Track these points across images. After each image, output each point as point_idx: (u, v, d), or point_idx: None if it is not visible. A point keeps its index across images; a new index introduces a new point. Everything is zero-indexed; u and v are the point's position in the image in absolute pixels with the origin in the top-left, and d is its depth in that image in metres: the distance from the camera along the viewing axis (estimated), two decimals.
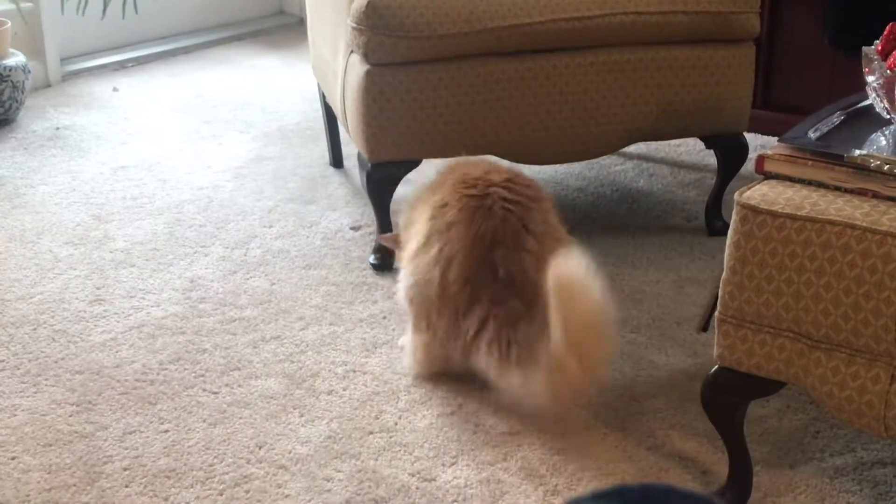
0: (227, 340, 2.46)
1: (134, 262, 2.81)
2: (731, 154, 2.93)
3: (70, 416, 2.19)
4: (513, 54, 2.67)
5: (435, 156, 2.71)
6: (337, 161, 3.41)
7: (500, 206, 2.20)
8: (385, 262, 2.77)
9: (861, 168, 1.73)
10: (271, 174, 3.35)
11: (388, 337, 2.47)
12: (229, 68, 4.37)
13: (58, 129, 3.70)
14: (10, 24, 3.74)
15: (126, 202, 3.16)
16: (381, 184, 2.72)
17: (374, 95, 2.62)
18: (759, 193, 1.76)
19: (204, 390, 2.28)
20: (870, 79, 1.89)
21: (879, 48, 1.90)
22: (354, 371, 2.35)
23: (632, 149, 3.38)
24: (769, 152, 1.81)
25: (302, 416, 2.20)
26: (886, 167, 1.71)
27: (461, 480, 2.01)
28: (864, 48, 1.90)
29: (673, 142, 3.47)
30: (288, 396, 2.26)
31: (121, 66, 4.35)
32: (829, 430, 2.14)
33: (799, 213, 1.71)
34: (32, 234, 2.95)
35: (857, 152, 1.75)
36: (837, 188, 1.75)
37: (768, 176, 1.81)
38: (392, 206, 2.80)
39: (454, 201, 2.23)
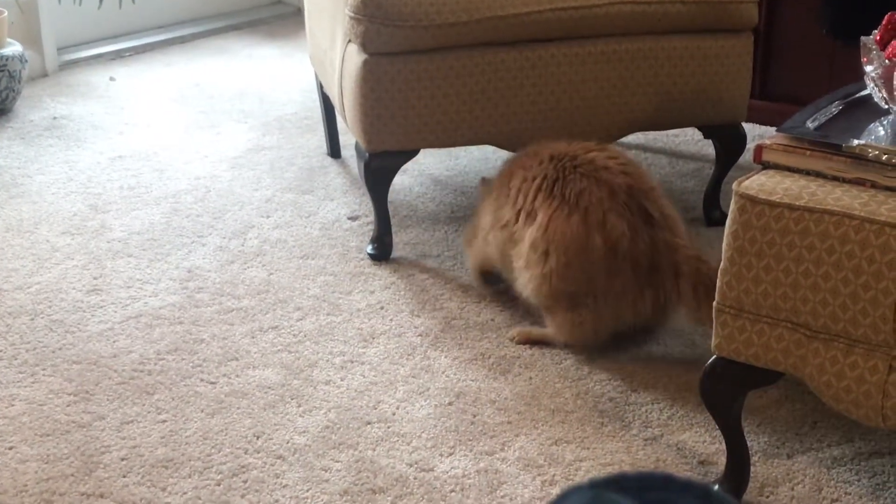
0: (224, 330, 2.46)
1: (131, 251, 2.81)
2: (729, 144, 2.93)
3: (67, 405, 2.19)
4: (511, 44, 2.66)
5: (433, 145, 2.71)
6: (334, 151, 3.41)
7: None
8: (382, 251, 2.77)
9: (859, 158, 1.73)
10: (269, 164, 3.34)
11: (385, 327, 2.47)
12: (226, 58, 4.36)
13: (55, 118, 3.69)
14: (6, 13, 3.73)
15: (123, 192, 3.15)
16: (378, 173, 2.72)
17: (372, 85, 2.61)
18: (758, 183, 1.76)
19: (201, 380, 2.28)
20: (868, 68, 1.89)
21: (878, 38, 1.89)
22: (352, 361, 2.35)
23: (630, 139, 3.37)
24: (767, 142, 1.81)
25: (300, 406, 2.20)
26: (885, 157, 1.71)
27: (459, 470, 2.01)
28: (863, 38, 1.89)
29: (671, 132, 3.46)
30: (286, 386, 2.26)
31: (118, 56, 4.34)
32: (827, 420, 2.14)
33: (797, 203, 1.71)
34: (29, 224, 2.95)
35: (856, 142, 1.75)
36: (835, 178, 1.75)
37: (766, 166, 1.81)
38: (390, 196, 2.79)
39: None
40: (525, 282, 2.34)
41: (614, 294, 2.28)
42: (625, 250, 2.25)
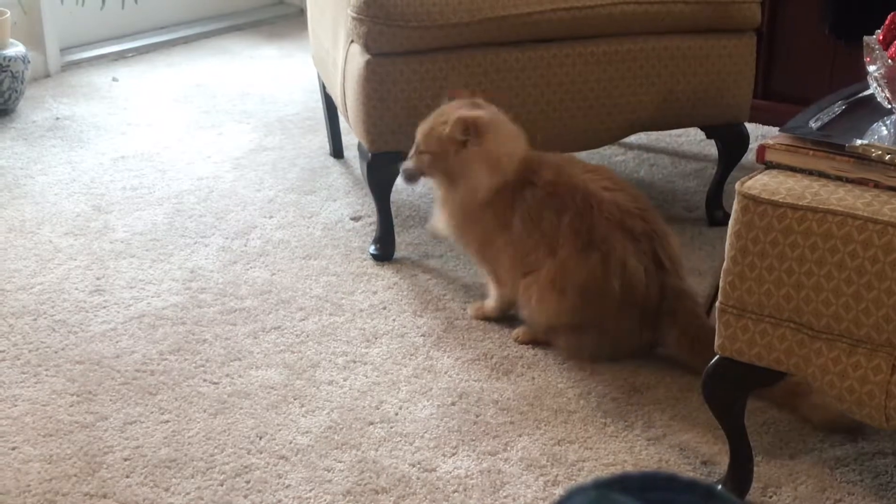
0: (227, 331, 2.46)
1: (134, 252, 2.81)
2: (731, 144, 2.93)
3: (70, 406, 2.19)
4: (514, 44, 2.66)
5: None
6: (337, 151, 3.41)
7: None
8: (385, 252, 2.77)
9: (862, 158, 1.73)
10: (271, 164, 3.35)
11: (388, 327, 2.47)
12: (229, 58, 4.36)
13: (57, 119, 3.69)
14: (9, 13, 3.73)
15: (126, 192, 3.15)
16: (381, 174, 2.72)
17: (375, 85, 2.61)
18: (761, 183, 1.76)
19: (204, 381, 2.28)
20: (871, 68, 1.89)
21: (881, 38, 1.89)
22: (355, 361, 2.35)
23: (633, 139, 3.37)
24: (770, 142, 1.81)
25: (302, 406, 2.20)
26: (888, 157, 1.71)
27: (461, 471, 2.01)
28: (865, 38, 1.89)
29: (674, 132, 3.46)
30: (288, 387, 2.26)
31: (120, 56, 4.34)
32: None
33: (800, 203, 1.71)
34: (32, 225, 2.95)
35: (859, 142, 1.75)
36: (839, 178, 1.74)
37: (769, 166, 1.81)
38: (392, 197, 2.79)
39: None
40: (535, 311, 2.36)
41: (619, 333, 2.33)
42: (639, 295, 2.29)
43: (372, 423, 2.15)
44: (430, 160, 2.44)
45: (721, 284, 1.81)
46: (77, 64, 4.22)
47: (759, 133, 3.37)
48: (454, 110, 2.43)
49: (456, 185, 2.44)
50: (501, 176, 2.39)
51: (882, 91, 1.89)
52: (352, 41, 2.67)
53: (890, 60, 1.85)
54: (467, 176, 2.41)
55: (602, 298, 2.29)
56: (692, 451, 2.08)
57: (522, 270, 2.37)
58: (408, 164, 2.49)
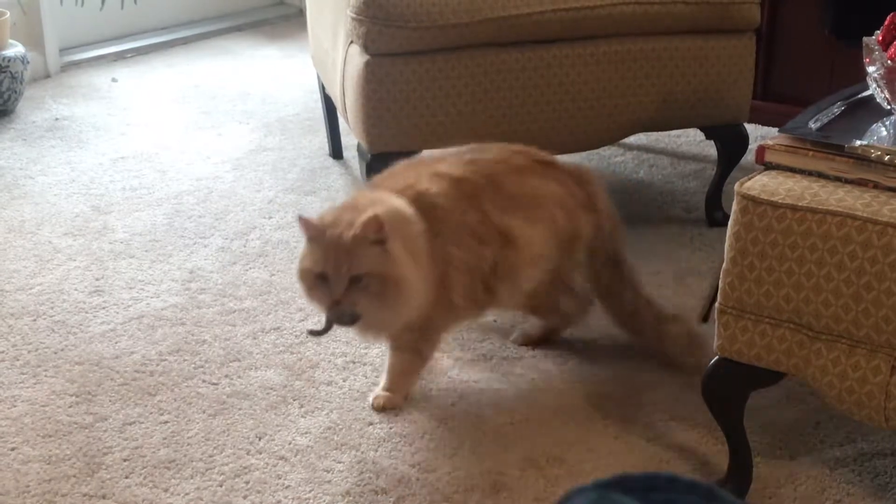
0: (226, 331, 2.46)
1: (133, 253, 2.81)
2: (731, 145, 2.93)
3: (70, 407, 2.19)
4: (513, 44, 2.67)
5: (435, 146, 2.70)
6: (337, 152, 3.41)
7: None
8: None
9: (861, 158, 1.73)
10: (271, 165, 3.35)
11: None
12: (229, 59, 4.36)
13: (57, 119, 3.69)
14: (8, 14, 3.73)
15: (125, 193, 3.15)
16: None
17: (374, 86, 2.61)
18: (760, 184, 1.76)
19: (204, 381, 2.28)
20: (870, 69, 1.89)
21: (880, 38, 1.89)
22: (354, 362, 2.35)
23: (632, 139, 3.37)
24: (770, 143, 1.81)
25: (302, 406, 2.20)
26: (887, 157, 1.71)
27: (461, 472, 2.01)
28: (865, 38, 1.89)
29: (673, 132, 3.46)
30: (288, 387, 2.26)
31: (120, 57, 4.34)
32: (830, 420, 2.14)
33: (799, 204, 1.71)
34: (32, 225, 2.95)
35: (858, 143, 1.75)
36: (838, 179, 1.75)
37: (769, 166, 1.81)
38: None
39: None
40: (524, 293, 2.31)
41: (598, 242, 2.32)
42: (577, 202, 2.29)
43: (371, 424, 2.15)
44: (374, 284, 2.02)
45: (720, 285, 1.81)
46: (76, 64, 4.22)
47: (758, 134, 3.36)
48: (342, 227, 2.03)
49: (388, 298, 2.05)
50: (420, 245, 2.11)
51: (881, 92, 1.89)
52: (351, 42, 2.67)
53: (889, 61, 1.85)
54: (401, 277, 2.05)
55: (568, 232, 2.27)
56: (692, 452, 2.08)
57: (483, 281, 2.22)
58: (341, 307, 2.02)
